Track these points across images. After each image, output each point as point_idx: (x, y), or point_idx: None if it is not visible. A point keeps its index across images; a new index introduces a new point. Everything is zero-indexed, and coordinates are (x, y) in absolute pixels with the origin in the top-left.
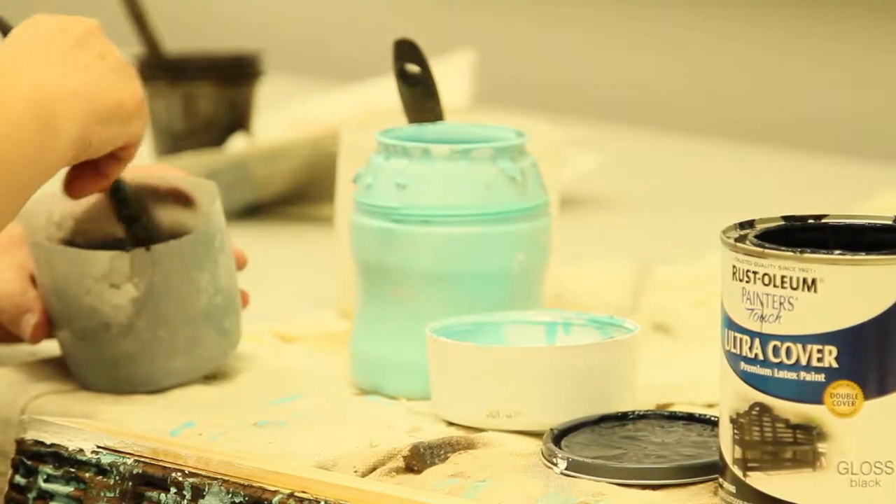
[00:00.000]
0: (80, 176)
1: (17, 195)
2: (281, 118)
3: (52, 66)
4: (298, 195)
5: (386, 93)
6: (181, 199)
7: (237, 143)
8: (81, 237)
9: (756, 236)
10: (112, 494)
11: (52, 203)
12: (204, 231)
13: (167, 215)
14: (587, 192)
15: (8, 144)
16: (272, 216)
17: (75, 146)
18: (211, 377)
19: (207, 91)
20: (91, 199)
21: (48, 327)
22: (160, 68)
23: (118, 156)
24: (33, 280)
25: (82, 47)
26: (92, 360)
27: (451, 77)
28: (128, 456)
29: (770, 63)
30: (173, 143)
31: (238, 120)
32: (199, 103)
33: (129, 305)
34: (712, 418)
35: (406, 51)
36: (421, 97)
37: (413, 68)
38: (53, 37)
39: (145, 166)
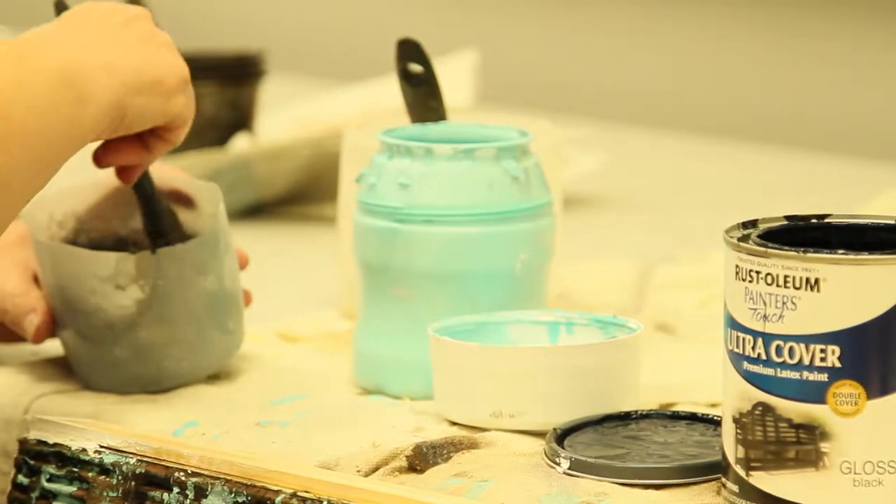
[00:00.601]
0: (120, 147)
1: (47, 166)
2: (284, 118)
3: (89, 41)
4: (301, 195)
5: (389, 92)
6: (182, 200)
7: (240, 143)
8: (84, 236)
9: (759, 236)
10: (115, 494)
11: (53, 202)
12: (210, 235)
13: None
14: (590, 192)
15: (34, 115)
16: (275, 216)
17: (108, 116)
18: (214, 377)
19: (210, 91)
20: (93, 198)
21: (51, 327)
22: None
23: (163, 136)
24: (36, 279)
25: (126, 28)
26: (95, 360)
27: (454, 77)
28: (131, 456)
29: (770, 63)
30: None
31: (241, 120)
32: (202, 103)
33: (134, 307)
34: (715, 418)
35: (409, 50)
36: (424, 97)
37: (416, 68)
38: (99, 18)
39: None
